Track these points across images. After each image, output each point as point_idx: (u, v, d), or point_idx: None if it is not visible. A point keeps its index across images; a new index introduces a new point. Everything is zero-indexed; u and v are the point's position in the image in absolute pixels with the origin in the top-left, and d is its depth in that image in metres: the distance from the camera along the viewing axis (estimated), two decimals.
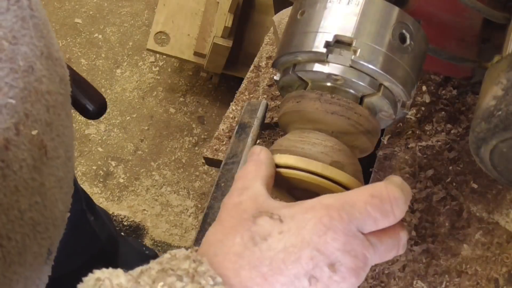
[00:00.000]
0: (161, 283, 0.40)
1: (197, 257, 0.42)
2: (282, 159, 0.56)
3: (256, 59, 1.22)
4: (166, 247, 1.72)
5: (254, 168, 0.52)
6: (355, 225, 0.45)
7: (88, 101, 1.10)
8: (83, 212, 1.17)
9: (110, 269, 0.41)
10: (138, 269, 0.42)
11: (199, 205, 1.77)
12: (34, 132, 0.47)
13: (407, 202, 0.49)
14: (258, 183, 0.50)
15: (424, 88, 0.89)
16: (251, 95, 1.18)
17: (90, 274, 0.41)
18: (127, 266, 0.44)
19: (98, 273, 0.41)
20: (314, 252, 0.43)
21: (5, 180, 0.46)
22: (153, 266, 0.42)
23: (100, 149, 2.00)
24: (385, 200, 0.47)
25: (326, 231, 0.44)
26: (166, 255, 0.43)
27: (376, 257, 0.47)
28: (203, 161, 1.58)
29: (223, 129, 1.20)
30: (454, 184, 0.83)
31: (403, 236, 0.50)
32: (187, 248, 0.44)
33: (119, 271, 0.41)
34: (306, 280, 0.43)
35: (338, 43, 0.57)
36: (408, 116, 0.87)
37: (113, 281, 0.40)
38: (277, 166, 0.56)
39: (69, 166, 0.56)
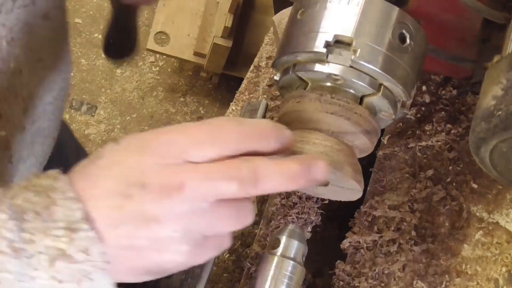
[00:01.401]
0: (19, 198, 0.42)
1: (55, 174, 0.44)
2: None
3: (256, 59, 1.22)
4: None
5: None
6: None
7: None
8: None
9: None
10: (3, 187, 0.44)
11: None
12: None
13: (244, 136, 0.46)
14: None
15: (424, 88, 0.89)
16: (251, 95, 1.18)
17: None
18: None
19: None
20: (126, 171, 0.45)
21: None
22: (20, 183, 0.44)
23: (100, 149, 1.99)
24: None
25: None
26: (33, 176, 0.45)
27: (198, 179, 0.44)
28: None
29: None
30: (454, 184, 0.83)
31: (241, 165, 0.44)
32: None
33: None
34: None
35: (338, 43, 0.57)
36: (408, 116, 0.87)
37: None
38: None
39: None
